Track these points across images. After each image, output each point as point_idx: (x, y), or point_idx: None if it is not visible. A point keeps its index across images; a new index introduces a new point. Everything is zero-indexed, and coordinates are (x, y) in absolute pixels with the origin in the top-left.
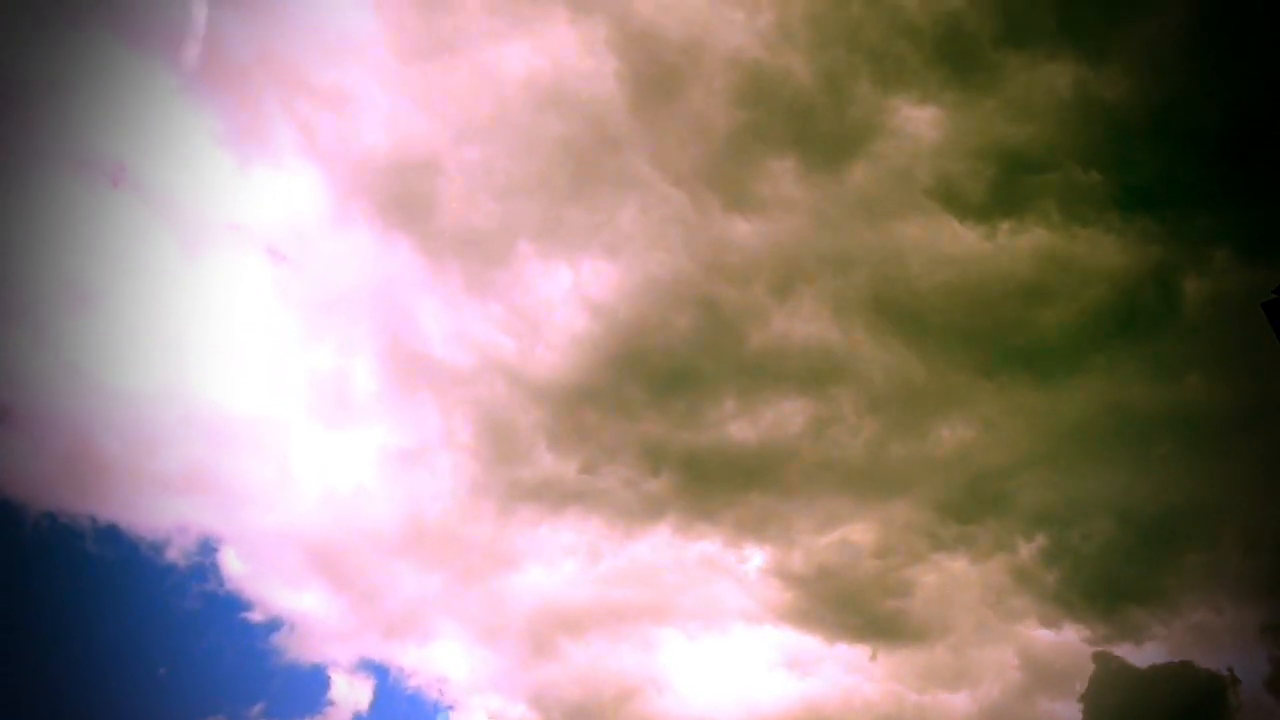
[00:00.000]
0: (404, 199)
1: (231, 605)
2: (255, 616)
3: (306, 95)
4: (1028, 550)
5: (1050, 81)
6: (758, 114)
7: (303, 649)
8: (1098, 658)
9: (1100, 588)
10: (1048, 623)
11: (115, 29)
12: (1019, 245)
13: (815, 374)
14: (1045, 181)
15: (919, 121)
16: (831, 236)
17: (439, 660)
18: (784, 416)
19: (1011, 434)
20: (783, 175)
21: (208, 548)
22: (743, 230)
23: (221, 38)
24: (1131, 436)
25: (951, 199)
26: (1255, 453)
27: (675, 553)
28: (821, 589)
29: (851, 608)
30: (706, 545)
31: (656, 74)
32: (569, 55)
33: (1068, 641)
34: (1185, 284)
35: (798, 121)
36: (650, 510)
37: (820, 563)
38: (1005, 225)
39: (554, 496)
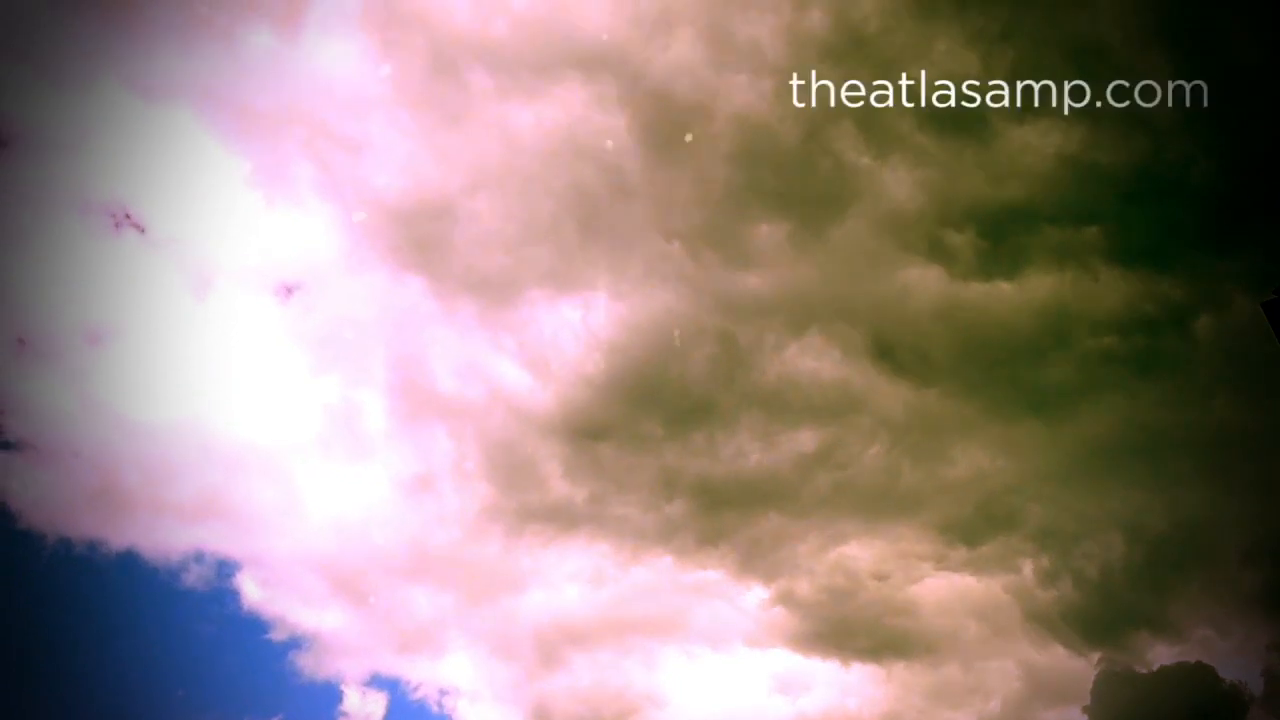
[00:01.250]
0: (417, 241)
1: (248, 627)
2: (271, 637)
3: (323, 143)
4: (1036, 570)
5: (1046, 143)
6: (760, 172)
7: (317, 667)
8: (1102, 660)
9: (1109, 606)
10: (1052, 642)
11: (135, 83)
12: (1023, 298)
13: (827, 407)
14: (1045, 239)
15: (914, 182)
16: (836, 286)
17: (446, 675)
18: (796, 444)
19: (1022, 457)
20: (786, 228)
21: (224, 572)
22: (751, 276)
23: (238, 89)
24: (1147, 454)
25: (948, 257)
26: (1271, 471)
27: (682, 576)
28: (827, 611)
29: (856, 629)
30: (714, 568)
31: (665, 132)
32: (581, 111)
33: (1073, 662)
34: (1199, 324)
35: (798, 180)
36: (661, 534)
37: (825, 584)
38: (1005, 283)
39: (564, 521)
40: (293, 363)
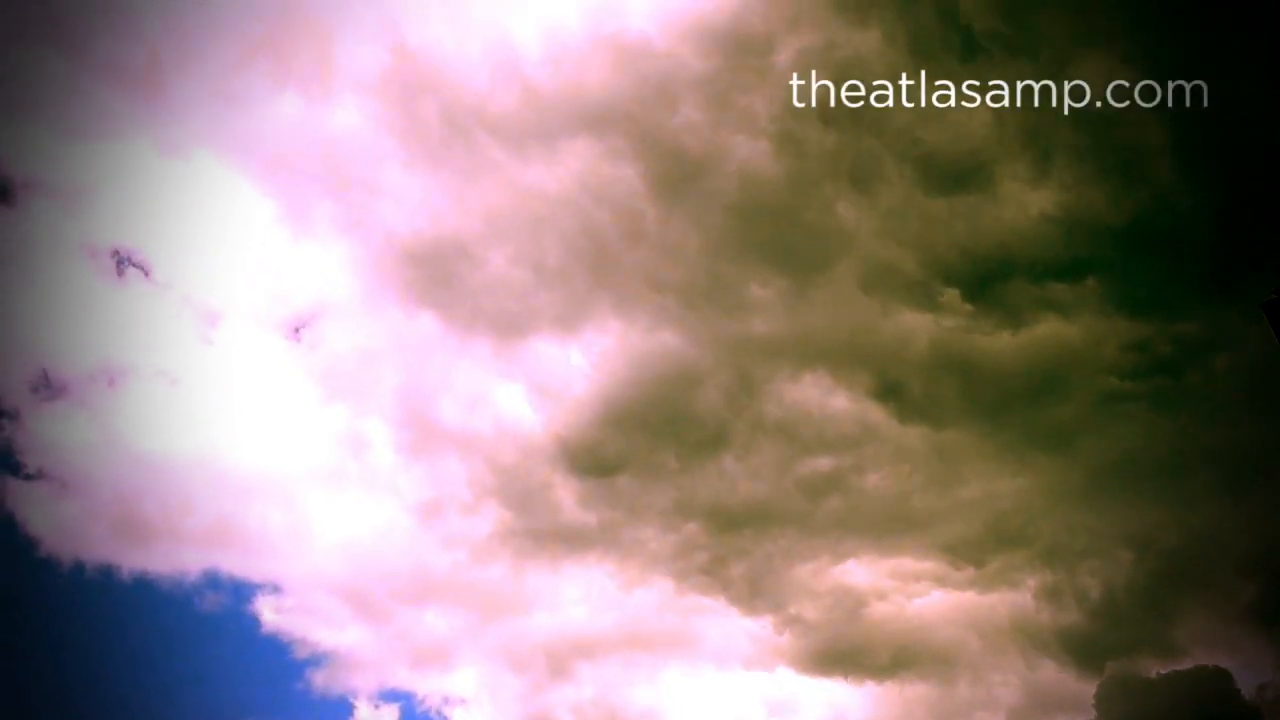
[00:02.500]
0: (431, 280)
1: (262, 646)
2: (285, 656)
3: (338, 189)
4: (1044, 587)
5: (1040, 197)
6: (761, 222)
7: (331, 683)
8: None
9: (1118, 621)
10: (1060, 656)
11: (156, 137)
12: (1027, 345)
13: (837, 439)
14: (1047, 293)
15: (914, 238)
16: (840, 331)
17: (455, 688)
18: (805, 471)
19: (1032, 480)
20: (789, 276)
21: (239, 594)
22: (762, 319)
23: (261, 144)
24: (1160, 474)
25: (949, 310)
26: None
27: (689, 598)
28: (834, 631)
29: (865, 648)
30: (721, 590)
31: (673, 183)
32: (592, 162)
33: (1082, 673)
34: (1217, 361)
35: (798, 232)
36: (669, 557)
37: (832, 605)
38: (1007, 334)
39: (573, 544)
40: (308, 394)
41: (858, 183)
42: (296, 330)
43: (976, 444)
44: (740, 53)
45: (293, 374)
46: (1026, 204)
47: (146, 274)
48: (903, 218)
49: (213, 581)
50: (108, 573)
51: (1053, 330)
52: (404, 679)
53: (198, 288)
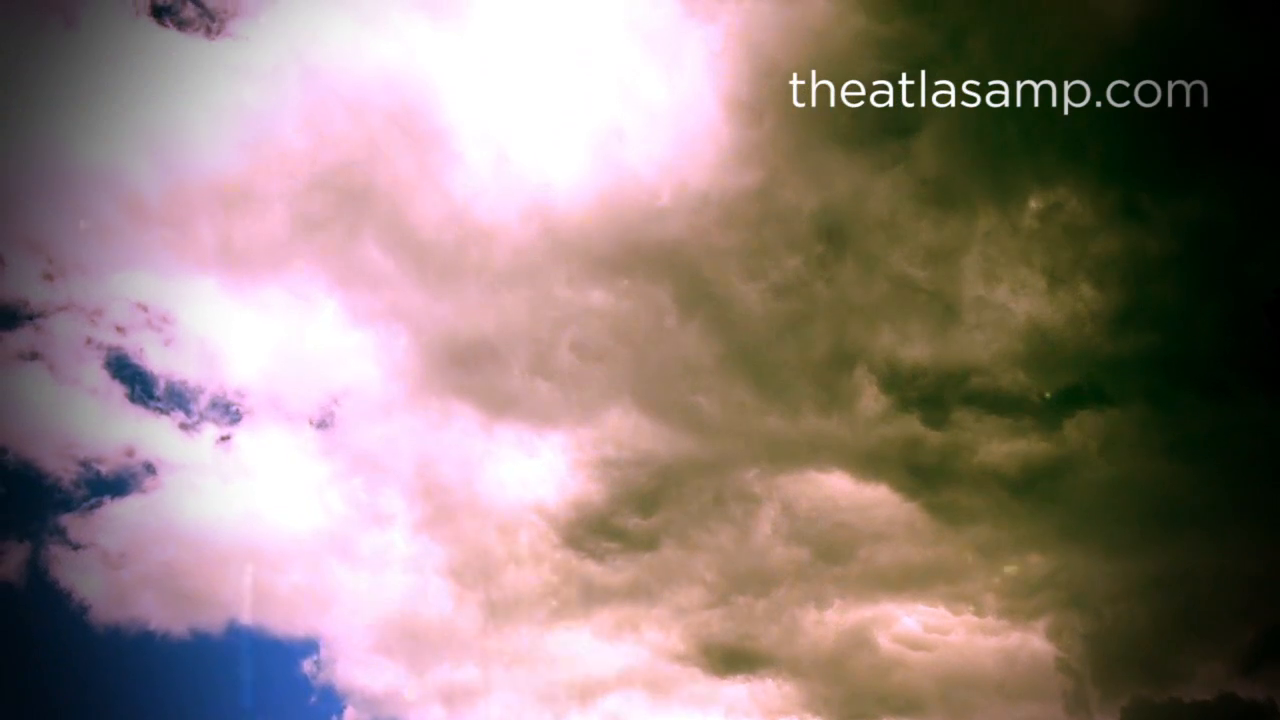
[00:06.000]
0: (465, 372)
1: (300, 698)
2: (322, 706)
3: (370, 297)
4: (1066, 630)
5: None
6: (762, 351)
7: None
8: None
9: (1141, 664)
10: (1078, 703)
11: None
12: (1026, 455)
13: (865, 519)
14: (1023, 425)
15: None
16: (842, 437)
17: None
18: (831, 539)
19: (1060, 545)
20: (785, 397)
21: (278, 652)
22: (780, 426)
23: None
24: (1194, 521)
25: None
26: None
27: (710, 654)
28: (854, 682)
29: (883, 697)
30: (735, 639)
31: (694, 305)
32: (622, 286)
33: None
34: (1238, 440)
35: (792, 361)
36: (694, 610)
37: (849, 654)
38: (1003, 447)
39: (602, 601)
40: (340, 470)
41: (838, 324)
42: (329, 416)
43: (1000, 530)
44: (773, 224)
45: (327, 455)
46: (1003, 334)
47: (187, 371)
48: (880, 352)
49: (254, 640)
50: (149, 635)
51: (1047, 447)
52: (431, 715)
53: (235, 380)
